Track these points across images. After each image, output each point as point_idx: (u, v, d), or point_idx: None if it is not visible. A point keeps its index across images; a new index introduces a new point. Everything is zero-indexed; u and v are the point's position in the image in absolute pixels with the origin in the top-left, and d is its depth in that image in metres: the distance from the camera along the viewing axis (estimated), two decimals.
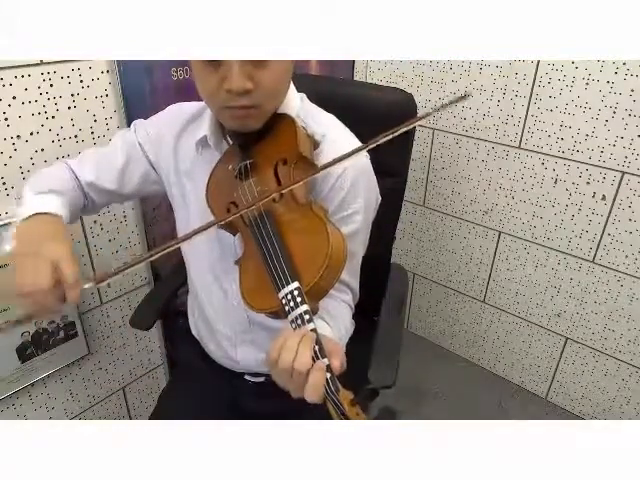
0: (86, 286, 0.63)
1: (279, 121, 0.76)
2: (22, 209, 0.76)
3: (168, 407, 1.00)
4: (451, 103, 0.66)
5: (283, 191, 0.68)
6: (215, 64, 0.67)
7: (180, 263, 0.98)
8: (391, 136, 0.64)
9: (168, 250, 0.62)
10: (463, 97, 0.66)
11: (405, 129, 0.65)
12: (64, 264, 0.64)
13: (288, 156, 0.71)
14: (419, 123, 0.65)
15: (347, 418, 0.54)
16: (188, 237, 0.64)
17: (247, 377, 0.96)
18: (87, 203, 0.91)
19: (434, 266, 1.94)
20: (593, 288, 1.55)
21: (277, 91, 0.75)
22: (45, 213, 0.75)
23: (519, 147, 1.55)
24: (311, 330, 0.59)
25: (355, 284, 0.87)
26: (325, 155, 0.76)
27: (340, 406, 0.55)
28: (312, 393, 0.56)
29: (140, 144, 0.89)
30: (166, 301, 1.12)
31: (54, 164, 0.91)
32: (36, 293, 0.63)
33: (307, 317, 0.59)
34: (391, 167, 1.10)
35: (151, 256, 0.61)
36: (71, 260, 0.65)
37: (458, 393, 1.81)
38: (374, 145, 0.65)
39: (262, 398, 0.94)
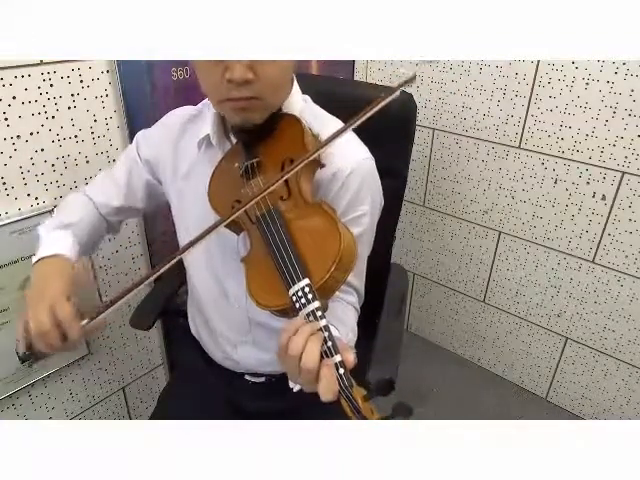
0: (83, 323, 0.70)
1: (284, 120, 0.77)
2: (39, 249, 0.81)
3: (168, 407, 1.00)
4: (400, 86, 0.69)
5: (285, 177, 0.68)
6: None
7: (180, 262, 0.98)
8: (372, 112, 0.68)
9: (175, 260, 0.70)
10: (412, 78, 0.69)
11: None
12: (58, 306, 0.70)
13: (295, 155, 0.71)
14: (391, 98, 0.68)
15: (361, 414, 0.54)
16: (198, 240, 0.69)
17: (247, 377, 0.96)
18: (107, 224, 0.95)
19: (434, 266, 1.94)
20: (593, 288, 1.55)
21: (278, 84, 0.75)
22: (52, 255, 0.79)
23: (519, 147, 1.55)
24: (323, 327, 0.58)
25: (360, 285, 0.87)
26: (331, 156, 0.76)
27: (354, 402, 0.55)
28: (325, 391, 0.56)
29: (139, 156, 0.91)
30: (166, 301, 1.12)
31: (74, 193, 0.96)
32: (40, 334, 0.69)
33: (319, 314, 0.59)
34: (391, 167, 1.10)
35: (154, 273, 0.70)
36: (65, 302, 0.70)
37: (458, 393, 1.81)
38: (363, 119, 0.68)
39: (262, 398, 0.94)
